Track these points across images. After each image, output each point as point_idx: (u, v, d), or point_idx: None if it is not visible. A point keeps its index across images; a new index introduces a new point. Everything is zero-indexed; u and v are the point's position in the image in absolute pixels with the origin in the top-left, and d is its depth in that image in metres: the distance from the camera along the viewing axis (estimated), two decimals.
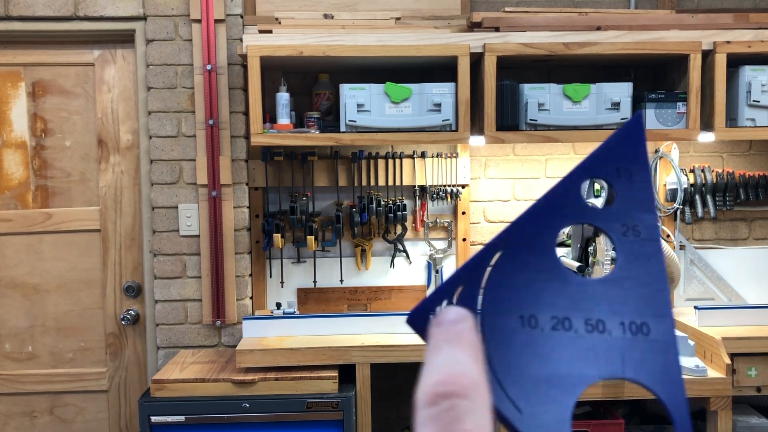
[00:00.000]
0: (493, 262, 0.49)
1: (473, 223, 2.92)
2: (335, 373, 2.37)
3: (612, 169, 0.52)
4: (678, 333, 2.51)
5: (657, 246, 0.50)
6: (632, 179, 0.52)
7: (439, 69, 2.71)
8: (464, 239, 2.89)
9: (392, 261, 2.91)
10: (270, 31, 2.55)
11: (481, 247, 0.55)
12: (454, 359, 0.38)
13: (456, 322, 0.42)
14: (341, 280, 2.90)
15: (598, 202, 2.48)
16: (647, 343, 0.48)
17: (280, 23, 2.67)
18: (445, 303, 0.48)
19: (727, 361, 2.33)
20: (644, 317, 0.49)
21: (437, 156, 2.85)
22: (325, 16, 2.71)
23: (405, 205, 2.83)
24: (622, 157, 0.52)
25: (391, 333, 2.59)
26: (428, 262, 2.92)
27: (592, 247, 2.52)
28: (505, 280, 0.49)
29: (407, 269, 2.93)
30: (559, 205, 0.51)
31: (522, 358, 0.46)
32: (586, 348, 0.47)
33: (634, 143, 0.52)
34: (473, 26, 2.61)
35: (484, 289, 0.48)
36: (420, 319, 0.47)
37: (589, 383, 0.47)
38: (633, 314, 0.49)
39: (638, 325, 0.48)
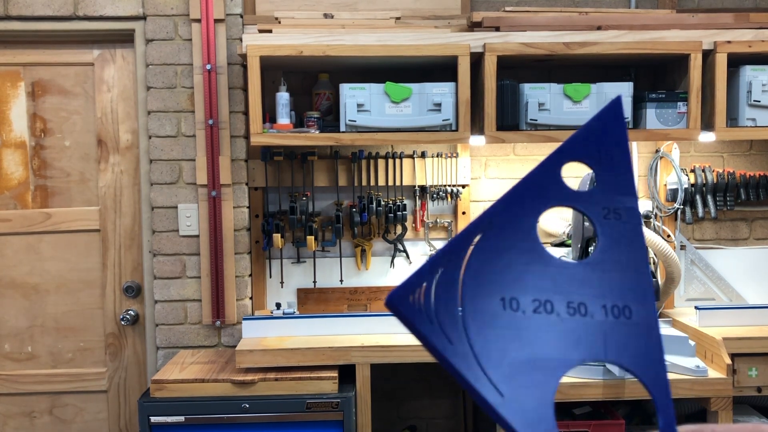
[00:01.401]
0: (473, 244, 0.48)
1: None
2: (335, 374, 2.37)
3: (593, 151, 0.51)
4: (678, 333, 2.50)
5: (638, 229, 0.50)
6: (613, 162, 0.51)
7: (439, 69, 2.71)
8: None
9: (392, 261, 2.91)
10: (270, 31, 2.55)
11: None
12: None
13: None
14: (341, 280, 2.90)
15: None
16: (629, 326, 0.47)
17: (279, 23, 2.66)
18: (424, 285, 0.47)
19: (728, 361, 2.32)
20: (626, 300, 0.48)
21: (437, 156, 2.85)
22: (325, 15, 2.71)
23: (405, 205, 2.82)
24: (603, 140, 0.51)
25: (391, 333, 2.59)
26: None
27: (592, 247, 2.52)
28: (486, 263, 0.48)
29: (407, 269, 2.92)
30: (539, 187, 0.50)
31: (504, 342, 0.45)
32: (568, 331, 0.46)
33: (615, 127, 0.51)
34: (473, 26, 2.60)
35: (465, 272, 0.47)
36: (400, 301, 0.46)
37: (571, 366, 0.46)
38: (615, 297, 0.48)
39: (620, 308, 0.48)
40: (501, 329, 0.46)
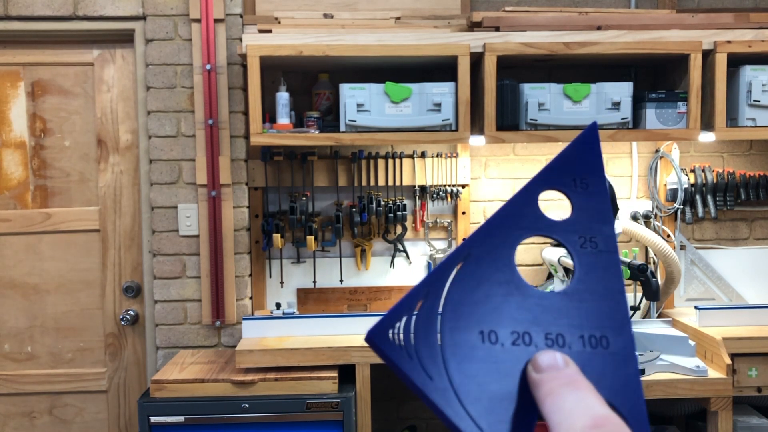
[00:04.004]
0: (452, 275, 0.48)
1: (473, 223, 2.92)
2: (335, 374, 2.37)
3: (568, 180, 0.51)
4: (678, 333, 2.50)
5: (615, 258, 0.50)
6: (588, 190, 0.51)
7: (439, 69, 2.71)
8: (464, 239, 2.89)
9: (392, 261, 2.91)
10: (270, 31, 2.55)
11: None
12: (586, 403, 0.41)
13: (565, 366, 0.44)
14: (341, 280, 2.90)
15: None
16: (607, 356, 0.47)
17: (279, 23, 2.66)
18: (404, 319, 0.47)
19: (728, 361, 2.32)
20: (603, 330, 0.48)
21: (437, 156, 2.85)
22: (325, 15, 2.71)
23: (405, 205, 2.82)
24: (578, 167, 0.51)
25: None
26: (428, 262, 2.91)
27: None
28: (465, 294, 0.48)
29: (407, 269, 2.93)
30: (516, 217, 0.50)
31: (483, 375, 0.45)
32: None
33: (590, 153, 0.52)
34: (473, 26, 2.60)
35: (444, 304, 0.47)
36: (380, 338, 0.46)
37: None
38: (592, 327, 0.48)
39: (597, 338, 0.47)
40: (480, 363, 0.47)
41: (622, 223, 2.74)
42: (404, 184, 2.85)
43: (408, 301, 0.48)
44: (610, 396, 0.45)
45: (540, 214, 0.51)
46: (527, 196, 0.51)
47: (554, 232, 0.51)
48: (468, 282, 0.49)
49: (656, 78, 2.82)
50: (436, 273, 0.49)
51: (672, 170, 2.85)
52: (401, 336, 0.47)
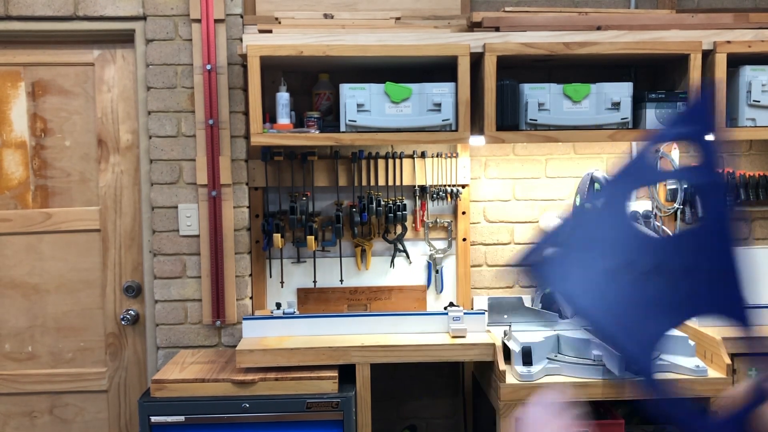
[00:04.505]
0: (578, 220, 0.58)
1: (473, 223, 2.92)
2: (335, 374, 2.37)
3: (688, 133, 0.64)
4: (678, 333, 2.51)
5: (730, 203, 0.60)
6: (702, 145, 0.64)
7: (439, 69, 2.71)
8: (464, 239, 2.89)
9: (392, 261, 2.91)
10: (270, 31, 2.55)
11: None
12: None
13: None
14: (341, 280, 2.90)
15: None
16: (723, 282, 0.59)
17: (280, 23, 2.66)
18: (544, 252, 0.56)
19: (728, 361, 2.33)
20: (723, 262, 0.60)
21: (437, 156, 2.85)
22: (325, 15, 2.71)
23: (405, 205, 2.83)
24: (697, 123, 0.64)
25: (391, 333, 2.59)
26: (428, 262, 2.92)
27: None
28: (591, 234, 0.57)
29: (407, 269, 2.93)
30: (634, 170, 0.59)
31: (609, 301, 0.54)
32: (671, 293, 0.53)
33: (706, 113, 0.63)
34: (473, 26, 2.60)
35: (573, 241, 0.56)
36: (533, 259, 0.55)
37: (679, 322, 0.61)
38: (713, 260, 0.60)
39: (718, 269, 0.61)
40: (606, 291, 0.57)
41: None
42: (404, 184, 2.85)
43: (553, 236, 0.58)
44: (725, 313, 0.58)
45: (655, 166, 0.62)
46: (643, 153, 0.62)
47: (686, 177, 0.64)
48: (595, 222, 0.59)
49: (656, 78, 2.83)
50: (570, 219, 0.60)
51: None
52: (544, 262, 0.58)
